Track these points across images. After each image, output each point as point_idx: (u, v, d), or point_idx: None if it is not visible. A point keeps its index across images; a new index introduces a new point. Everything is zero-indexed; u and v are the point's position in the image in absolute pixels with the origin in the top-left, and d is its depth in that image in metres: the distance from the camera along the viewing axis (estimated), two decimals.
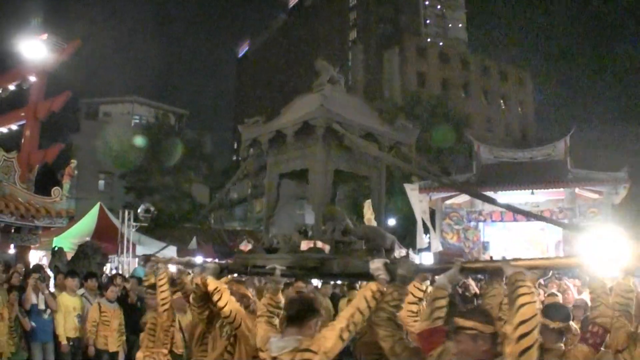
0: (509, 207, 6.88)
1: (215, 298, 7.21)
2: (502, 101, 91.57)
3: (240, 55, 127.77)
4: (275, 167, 7.82)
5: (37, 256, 25.13)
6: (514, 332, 4.41)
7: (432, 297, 5.40)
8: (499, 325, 4.91)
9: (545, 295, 11.72)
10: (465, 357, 4.65)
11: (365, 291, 5.49)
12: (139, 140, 55.94)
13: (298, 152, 7.57)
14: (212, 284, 7.30)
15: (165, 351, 10.17)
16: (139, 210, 29.41)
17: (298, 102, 8.16)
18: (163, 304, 9.59)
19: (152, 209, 31.83)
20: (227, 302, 7.14)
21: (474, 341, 4.62)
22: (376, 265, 5.68)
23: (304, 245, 6.93)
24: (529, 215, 11.28)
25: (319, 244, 6.91)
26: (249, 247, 7.80)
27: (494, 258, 33.51)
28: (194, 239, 37.29)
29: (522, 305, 4.47)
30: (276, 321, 6.32)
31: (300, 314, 5.56)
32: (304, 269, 6.95)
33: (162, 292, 9.42)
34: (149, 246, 26.70)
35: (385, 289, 5.53)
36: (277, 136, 7.50)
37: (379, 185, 8.48)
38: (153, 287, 10.00)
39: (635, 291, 6.30)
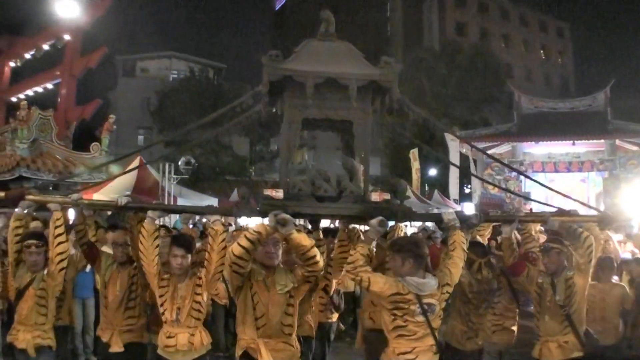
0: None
1: (311, 254, 6.62)
2: (542, 51, 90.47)
3: (277, 7, 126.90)
4: (300, 112, 7.69)
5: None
6: (585, 251, 7.68)
7: (506, 244, 8.06)
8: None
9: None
10: (551, 265, 7.82)
11: (458, 237, 6.91)
12: (178, 95, 56.12)
13: (342, 103, 7.57)
14: (306, 239, 6.65)
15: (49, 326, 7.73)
16: (179, 163, 29.31)
17: (313, 49, 8.04)
18: (59, 261, 7.58)
19: (192, 160, 31.65)
20: (320, 257, 6.84)
21: (558, 256, 7.83)
22: (451, 216, 7.19)
23: (376, 196, 7.34)
24: (525, 199, 11.14)
25: (387, 196, 7.43)
26: (280, 193, 7.38)
27: (534, 210, 33.92)
28: (235, 191, 37.48)
29: (586, 237, 7.64)
30: None
31: (425, 254, 6.53)
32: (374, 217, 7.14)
33: (59, 243, 7.52)
34: (190, 199, 26.78)
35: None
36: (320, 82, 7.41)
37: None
38: (39, 236, 7.88)
39: None
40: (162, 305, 7.18)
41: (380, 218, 6.77)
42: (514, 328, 9.41)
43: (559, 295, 7.64)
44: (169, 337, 7.05)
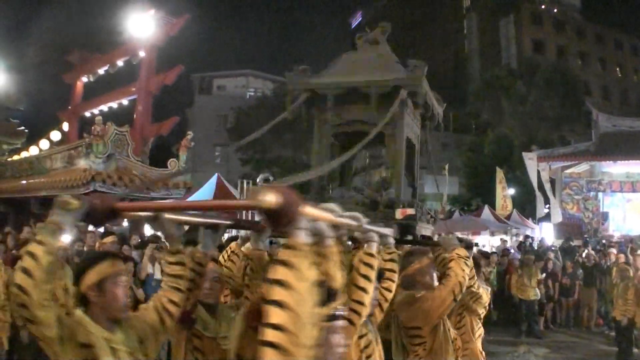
0: None
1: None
2: (618, 69, 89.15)
3: (353, 26, 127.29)
4: (409, 130, 7.52)
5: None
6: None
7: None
8: None
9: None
10: None
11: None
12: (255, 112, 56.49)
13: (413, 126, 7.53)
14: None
15: None
16: (257, 180, 29.33)
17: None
18: None
19: (271, 178, 31.65)
20: None
21: None
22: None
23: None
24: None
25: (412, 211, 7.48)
26: (409, 211, 6.99)
27: (612, 228, 33.77)
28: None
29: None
30: None
31: None
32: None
33: None
34: None
35: None
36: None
37: None
38: None
39: None
40: None
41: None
42: None
43: None
44: None
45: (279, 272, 2.81)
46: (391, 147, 7.02)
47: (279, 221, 2.89)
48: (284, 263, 2.83)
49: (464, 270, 5.85)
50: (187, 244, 10.96)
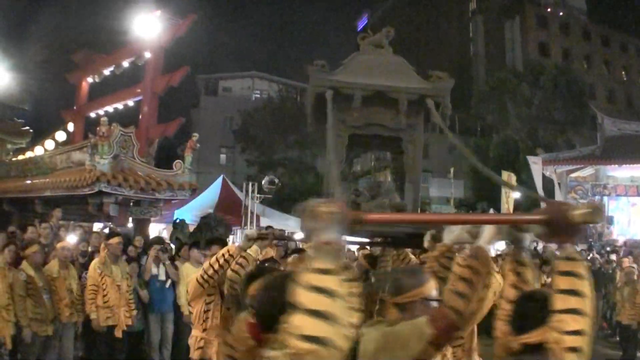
0: None
1: None
2: (623, 72, 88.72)
3: (359, 28, 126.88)
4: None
5: (156, 229, 25.33)
6: None
7: None
8: None
9: None
10: None
11: None
12: (261, 114, 56.44)
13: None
14: None
15: None
16: (263, 182, 29.25)
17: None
18: None
19: (276, 180, 31.60)
20: None
21: None
22: None
23: None
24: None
25: None
26: None
27: (616, 232, 33.68)
28: None
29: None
30: None
31: None
32: None
33: None
34: (273, 218, 26.71)
35: None
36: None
37: None
38: None
39: None
40: None
41: None
42: None
43: None
44: None
45: (571, 283, 3.19)
46: (410, 152, 6.89)
47: (567, 234, 3.25)
48: (573, 274, 3.21)
49: (499, 272, 5.94)
50: (193, 246, 11.06)
